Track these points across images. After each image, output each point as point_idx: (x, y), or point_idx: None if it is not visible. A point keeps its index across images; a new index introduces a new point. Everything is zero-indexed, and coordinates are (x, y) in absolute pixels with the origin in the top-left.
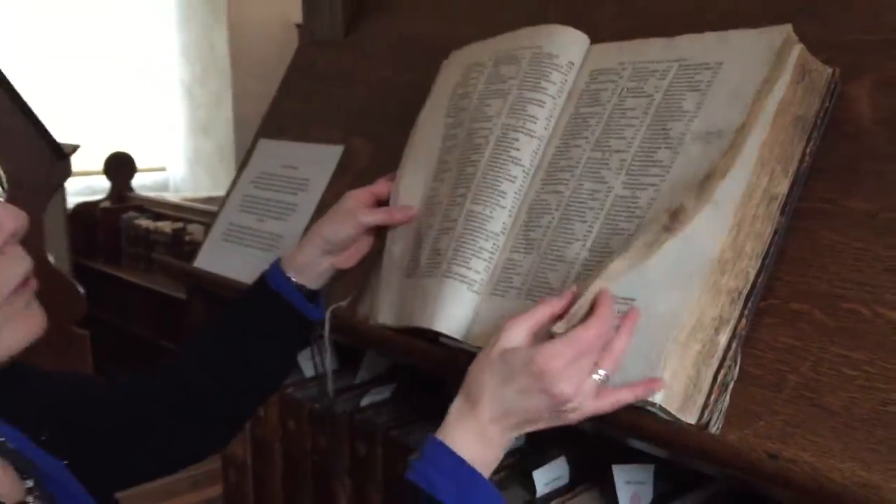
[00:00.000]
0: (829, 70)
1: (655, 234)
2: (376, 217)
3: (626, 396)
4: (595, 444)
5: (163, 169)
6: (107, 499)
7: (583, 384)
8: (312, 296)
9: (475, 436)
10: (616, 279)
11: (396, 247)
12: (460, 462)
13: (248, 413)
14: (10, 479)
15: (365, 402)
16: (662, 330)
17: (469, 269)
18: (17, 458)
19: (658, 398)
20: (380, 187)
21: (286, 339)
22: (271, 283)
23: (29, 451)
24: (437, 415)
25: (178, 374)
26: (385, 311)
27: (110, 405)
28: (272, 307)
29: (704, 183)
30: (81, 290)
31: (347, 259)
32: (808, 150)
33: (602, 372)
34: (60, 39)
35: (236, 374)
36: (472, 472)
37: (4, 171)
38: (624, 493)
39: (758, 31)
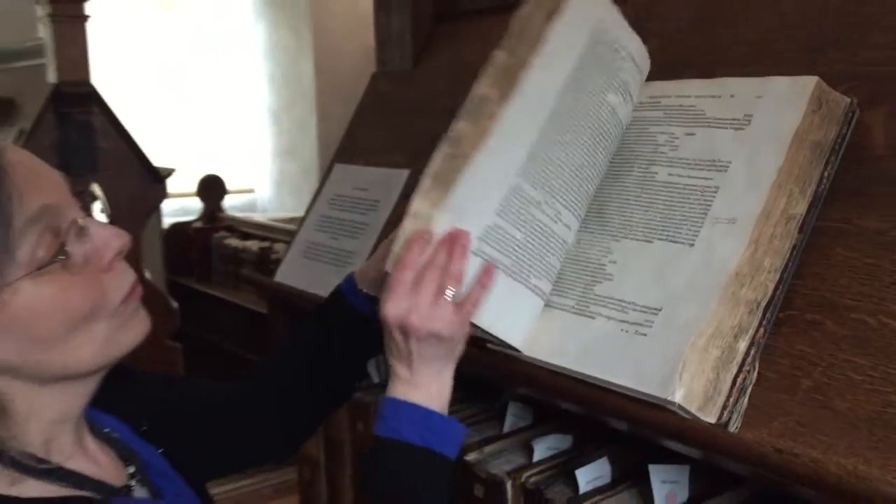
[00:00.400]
0: (847, 100)
1: (444, 164)
2: None
3: (476, 293)
4: (636, 447)
5: (251, 190)
6: (199, 486)
7: (432, 311)
8: None
9: (409, 386)
10: (425, 219)
11: None
12: (413, 406)
13: (323, 416)
14: (115, 465)
15: None
16: (682, 336)
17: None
18: (121, 447)
19: (678, 397)
20: None
21: (359, 348)
22: (347, 296)
23: (131, 440)
24: (493, 417)
25: (264, 379)
26: None
27: (204, 404)
28: (347, 318)
29: (479, 107)
30: (175, 304)
31: None
32: (825, 174)
33: (449, 291)
34: (157, 72)
35: (315, 380)
36: (426, 410)
37: (106, 194)
38: (659, 491)
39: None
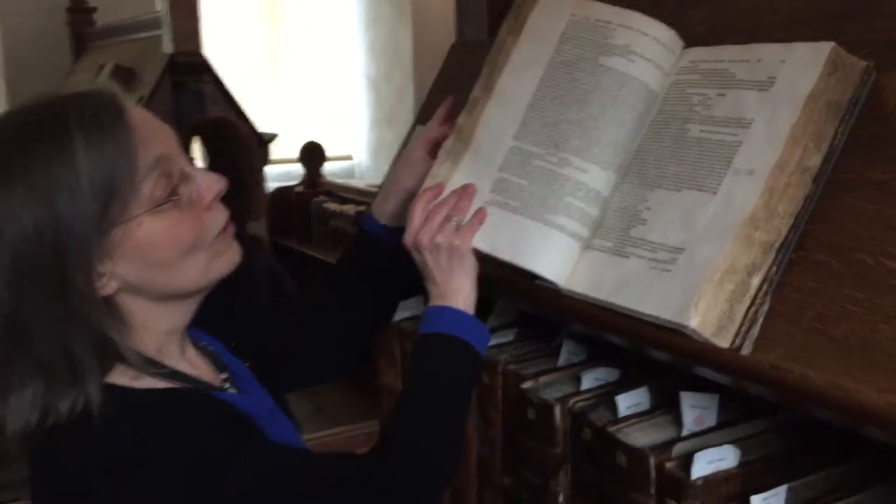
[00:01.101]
0: (864, 63)
1: (454, 145)
2: None
3: (472, 226)
4: (677, 382)
5: (350, 157)
6: (278, 395)
7: (437, 231)
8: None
9: (440, 297)
10: (442, 178)
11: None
12: (444, 307)
13: (367, 335)
14: (211, 371)
15: (491, 342)
16: (700, 271)
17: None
18: (215, 358)
19: (693, 324)
20: (434, 132)
21: (385, 275)
22: (369, 230)
23: (223, 353)
24: (549, 354)
25: (314, 308)
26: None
27: (279, 326)
28: (371, 249)
29: (473, 105)
30: None
31: None
32: (840, 130)
33: (454, 219)
34: (263, 42)
35: (353, 305)
36: (455, 310)
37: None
38: (689, 415)
39: None
